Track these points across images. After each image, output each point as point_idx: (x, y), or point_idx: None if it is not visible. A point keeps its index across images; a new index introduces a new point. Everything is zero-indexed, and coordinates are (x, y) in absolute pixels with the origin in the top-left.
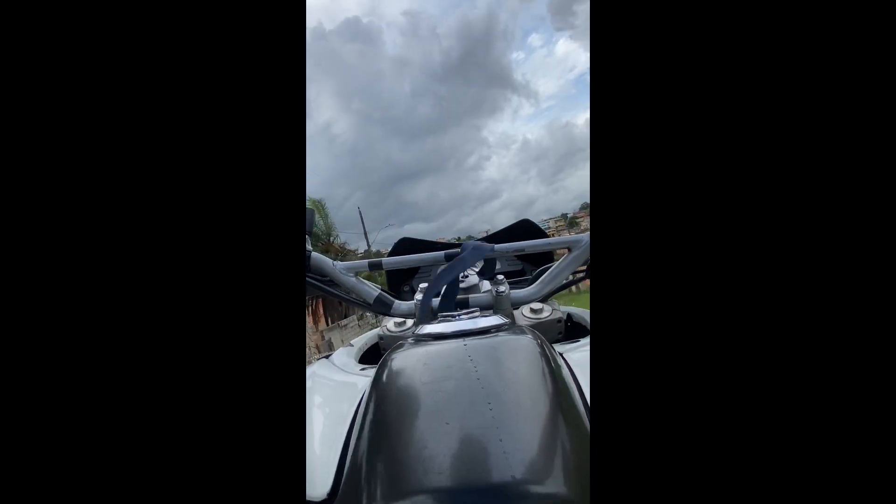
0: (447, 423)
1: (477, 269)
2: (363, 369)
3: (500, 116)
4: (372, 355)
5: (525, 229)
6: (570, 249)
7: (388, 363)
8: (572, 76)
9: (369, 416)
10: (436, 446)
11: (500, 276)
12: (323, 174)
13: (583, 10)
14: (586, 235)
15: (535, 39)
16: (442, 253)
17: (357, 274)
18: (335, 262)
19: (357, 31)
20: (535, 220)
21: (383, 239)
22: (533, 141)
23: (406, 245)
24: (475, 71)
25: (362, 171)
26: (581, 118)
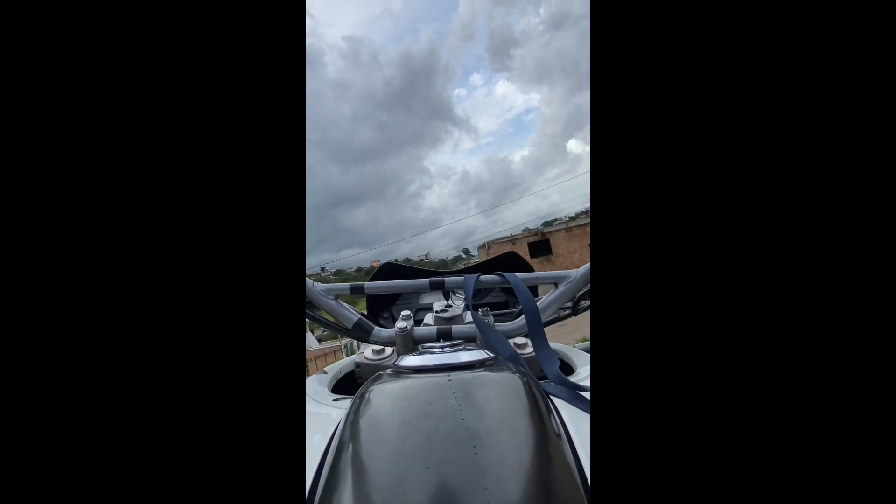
0: (428, 468)
1: (461, 299)
2: (336, 399)
3: (441, 148)
4: (346, 384)
5: (511, 262)
6: (556, 285)
7: (366, 395)
8: (510, 115)
9: (343, 453)
10: (415, 492)
11: (485, 308)
12: None
13: (518, 55)
14: (574, 271)
15: (476, 79)
16: (426, 280)
17: (337, 297)
18: (315, 284)
19: None
20: (475, 247)
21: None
22: (472, 174)
23: (388, 270)
24: (417, 102)
25: None
26: (518, 155)
